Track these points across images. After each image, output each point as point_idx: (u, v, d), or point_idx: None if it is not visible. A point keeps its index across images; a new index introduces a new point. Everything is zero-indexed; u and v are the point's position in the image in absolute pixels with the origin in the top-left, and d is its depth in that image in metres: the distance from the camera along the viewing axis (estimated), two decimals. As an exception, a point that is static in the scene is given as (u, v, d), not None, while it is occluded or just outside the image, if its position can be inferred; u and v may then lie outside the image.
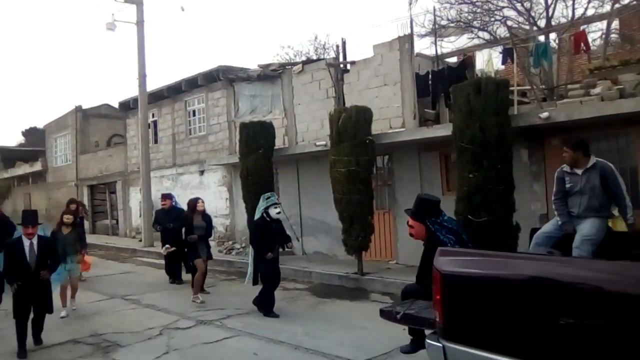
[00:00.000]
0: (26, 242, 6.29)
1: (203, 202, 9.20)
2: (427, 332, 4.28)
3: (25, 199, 30.08)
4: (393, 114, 11.13)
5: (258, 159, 11.81)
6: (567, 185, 5.38)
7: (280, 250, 8.13)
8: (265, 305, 7.67)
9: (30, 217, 6.50)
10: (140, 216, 18.23)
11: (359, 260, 9.75)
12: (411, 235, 5.32)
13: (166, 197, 11.04)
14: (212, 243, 16.09)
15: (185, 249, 9.04)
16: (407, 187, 10.79)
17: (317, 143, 11.50)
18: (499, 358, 3.51)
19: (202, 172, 16.90)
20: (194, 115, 17.54)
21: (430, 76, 11.78)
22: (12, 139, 63.00)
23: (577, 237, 5.16)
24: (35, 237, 6.36)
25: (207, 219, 9.21)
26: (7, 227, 10.04)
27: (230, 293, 9.42)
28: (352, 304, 8.33)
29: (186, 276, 10.23)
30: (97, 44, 74.89)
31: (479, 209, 7.85)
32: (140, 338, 6.73)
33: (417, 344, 4.91)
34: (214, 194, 16.28)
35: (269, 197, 7.92)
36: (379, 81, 11.40)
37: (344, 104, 11.57)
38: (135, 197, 19.85)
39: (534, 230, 5.60)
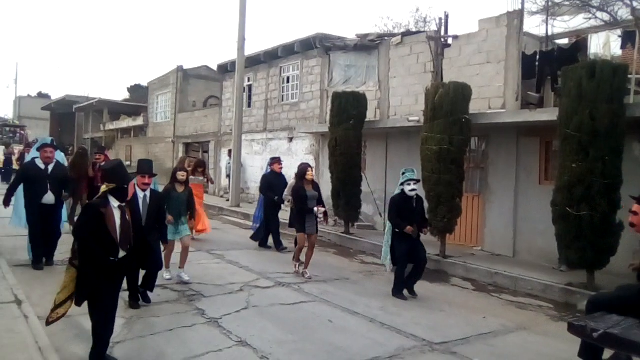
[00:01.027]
0: (140, 194, 5.85)
1: (312, 169, 8.39)
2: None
3: (127, 151, 32.12)
4: (493, 94, 10.58)
5: (348, 130, 11.73)
6: None
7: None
8: (395, 284, 7.24)
9: (147, 167, 6.02)
10: (227, 176, 18.84)
11: (443, 242, 9.49)
12: (632, 225, 4.41)
13: (278, 160, 10.59)
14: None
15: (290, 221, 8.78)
16: (501, 172, 10.30)
17: (410, 118, 11.21)
18: None
19: (291, 139, 17.11)
20: (288, 82, 17.71)
21: (537, 57, 11.04)
22: (119, 94, 67.32)
23: None
24: (149, 189, 5.95)
25: (317, 188, 8.30)
26: None
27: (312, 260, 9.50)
28: (432, 286, 8.14)
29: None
30: (201, 5, 77.44)
31: (579, 201, 7.33)
32: (222, 291, 6.99)
33: None
34: (301, 162, 16.44)
35: (404, 173, 7.26)
36: (482, 58, 10.84)
37: (442, 79, 11.15)
38: (225, 159, 20.52)
39: None
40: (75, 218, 9.56)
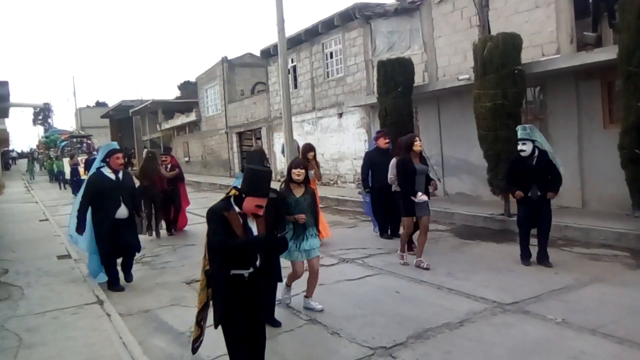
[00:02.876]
0: None
1: (420, 140, 7.06)
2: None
3: (184, 147, 33.06)
4: (546, 40, 10.06)
5: (396, 98, 11.52)
6: None
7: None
8: (520, 249, 6.91)
9: (258, 160, 5.25)
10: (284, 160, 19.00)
11: (506, 200, 9.19)
12: None
13: (383, 134, 9.05)
14: (351, 185, 16.38)
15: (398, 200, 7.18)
16: (561, 121, 9.85)
17: (460, 77, 10.86)
18: None
19: (340, 115, 17.02)
20: (331, 57, 17.56)
21: (590, -7, 10.36)
22: (170, 93, 69.18)
23: None
24: None
25: (426, 162, 7.17)
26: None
27: (369, 234, 9.49)
28: (498, 247, 7.95)
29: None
30: (239, -5, 77.81)
31: (649, 141, 6.91)
32: (287, 273, 7.06)
33: None
34: (353, 136, 16.38)
35: (520, 131, 6.68)
36: (530, 3, 10.31)
37: (489, 32, 10.68)
38: (278, 142, 20.70)
39: None
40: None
